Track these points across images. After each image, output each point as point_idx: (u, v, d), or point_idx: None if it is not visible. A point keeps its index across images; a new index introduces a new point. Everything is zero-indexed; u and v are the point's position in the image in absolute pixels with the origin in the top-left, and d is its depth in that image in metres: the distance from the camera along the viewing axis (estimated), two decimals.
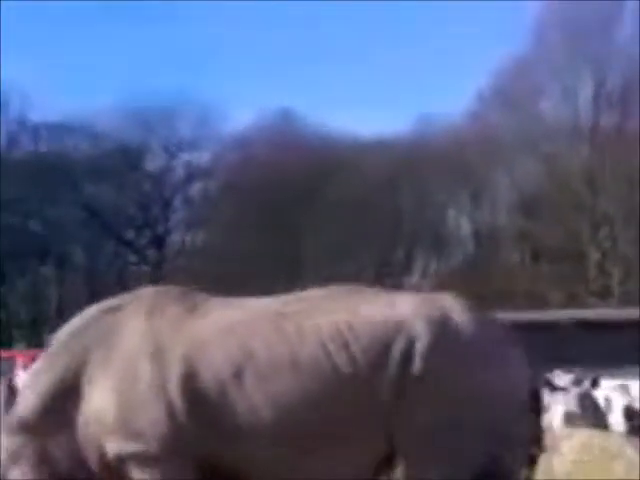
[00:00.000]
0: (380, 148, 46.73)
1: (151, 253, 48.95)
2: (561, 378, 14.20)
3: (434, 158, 45.82)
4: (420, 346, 5.80)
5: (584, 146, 43.12)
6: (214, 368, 5.83)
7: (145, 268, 48.93)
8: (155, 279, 47.90)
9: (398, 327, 5.87)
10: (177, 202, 50.51)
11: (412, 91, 69.96)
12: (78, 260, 46.52)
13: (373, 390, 5.78)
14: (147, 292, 6.36)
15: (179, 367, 5.85)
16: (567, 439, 10.87)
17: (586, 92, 44.18)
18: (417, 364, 5.78)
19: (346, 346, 5.84)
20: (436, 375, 5.76)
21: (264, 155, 47.96)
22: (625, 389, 14.73)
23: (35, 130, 47.41)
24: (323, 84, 70.85)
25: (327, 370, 5.81)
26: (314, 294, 6.17)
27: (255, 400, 5.78)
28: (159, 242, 48.95)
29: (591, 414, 13.17)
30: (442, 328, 5.87)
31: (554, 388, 13.57)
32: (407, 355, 5.80)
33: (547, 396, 13.57)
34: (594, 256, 42.09)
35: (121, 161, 47.55)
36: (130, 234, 48.97)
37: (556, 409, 13.19)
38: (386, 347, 5.82)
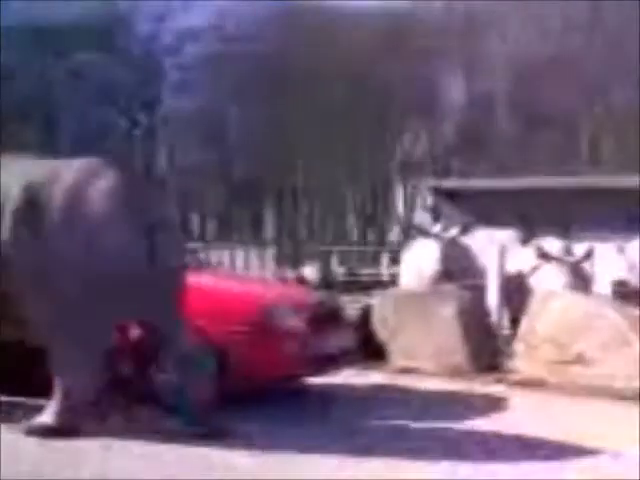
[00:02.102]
0: (374, 17, 45.95)
1: (142, 118, 48.48)
2: (552, 245, 14.21)
3: (428, 27, 45.06)
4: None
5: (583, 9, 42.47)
6: None
7: (136, 133, 48.59)
8: (146, 145, 47.73)
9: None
10: (168, 66, 49.83)
11: None
12: (67, 125, 46.09)
13: None
14: None
15: None
16: (550, 302, 10.98)
17: None
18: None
19: None
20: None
21: (257, 19, 47.16)
22: (620, 251, 14.78)
23: None
24: None
25: None
26: None
27: None
28: (150, 107, 48.44)
29: (582, 285, 13.29)
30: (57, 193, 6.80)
31: (546, 256, 13.61)
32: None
33: (538, 262, 13.67)
34: (588, 125, 41.94)
35: (110, 24, 46.74)
36: (121, 100, 48.39)
37: (547, 278, 13.29)
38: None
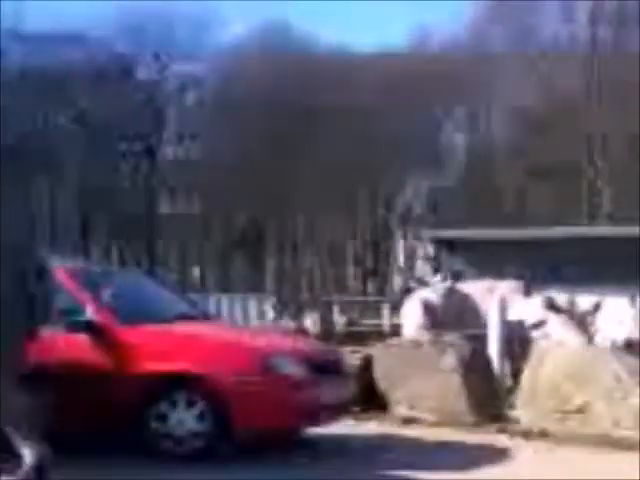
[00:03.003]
0: (376, 62, 46.25)
1: (144, 164, 48.69)
2: (556, 297, 14.19)
3: (431, 73, 45.36)
4: None
5: (581, 62, 42.78)
6: None
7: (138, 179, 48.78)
8: (148, 190, 47.87)
9: None
10: (170, 113, 50.18)
11: (410, 2, 68.61)
12: (71, 172, 46.28)
13: None
14: None
15: None
16: (553, 352, 10.94)
17: (584, 7, 43.80)
18: None
19: None
20: None
21: (258, 67, 47.48)
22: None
23: (28, 41, 46.77)
24: None
25: None
26: None
27: None
28: (151, 153, 48.67)
29: (588, 337, 13.25)
30: None
31: (553, 308, 13.59)
32: None
33: (544, 314, 13.65)
34: (588, 174, 42.10)
35: (114, 71, 47.11)
36: (122, 145, 48.62)
37: (554, 330, 13.28)
38: None
